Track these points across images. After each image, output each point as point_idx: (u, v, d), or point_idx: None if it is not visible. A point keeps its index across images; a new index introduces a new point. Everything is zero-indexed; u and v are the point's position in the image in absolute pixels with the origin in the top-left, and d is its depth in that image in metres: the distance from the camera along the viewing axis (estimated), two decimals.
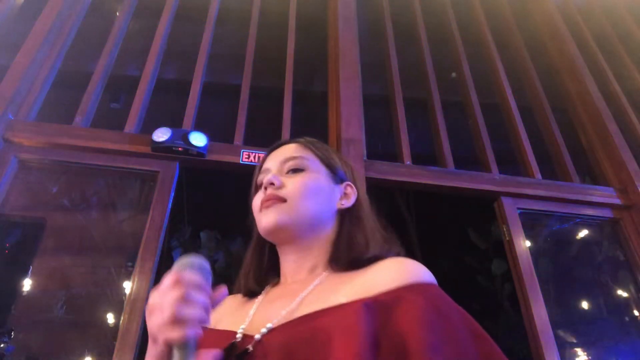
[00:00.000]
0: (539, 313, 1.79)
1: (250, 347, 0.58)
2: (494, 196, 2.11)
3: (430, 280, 0.65)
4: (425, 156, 2.34)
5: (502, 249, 2.03)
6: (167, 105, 2.36)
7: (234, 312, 0.72)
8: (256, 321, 0.64)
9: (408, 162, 2.13)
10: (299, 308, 0.62)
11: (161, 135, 1.88)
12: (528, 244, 1.98)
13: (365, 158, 2.02)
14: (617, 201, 2.20)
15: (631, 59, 2.91)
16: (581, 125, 2.60)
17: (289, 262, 0.75)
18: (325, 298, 0.62)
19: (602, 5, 3.24)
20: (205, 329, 0.56)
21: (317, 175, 0.78)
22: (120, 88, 2.88)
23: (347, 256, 0.70)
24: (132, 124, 2.00)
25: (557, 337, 1.76)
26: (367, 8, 2.84)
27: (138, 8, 2.56)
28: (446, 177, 2.11)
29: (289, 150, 0.80)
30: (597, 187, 2.26)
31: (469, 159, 2.41)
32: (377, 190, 2.12)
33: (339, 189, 0.79)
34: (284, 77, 2.32)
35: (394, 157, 2.20)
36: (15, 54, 2.04)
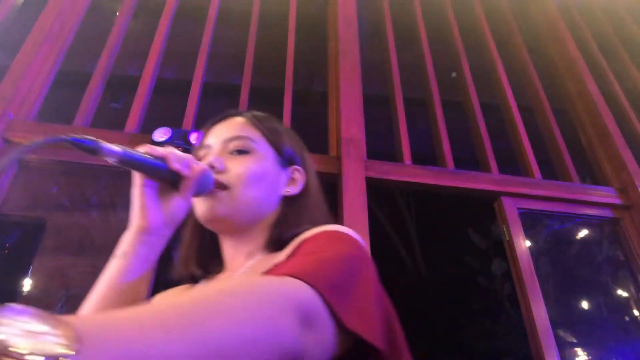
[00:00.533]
0: (539, 313, 1.78)
1: None
2: (494, 196, 2.11)
3: (350, 233, 0.61)
4: (425, 156, 2.34)
5: (502, 249, 2.03)
6: (167, 105, 2.36)
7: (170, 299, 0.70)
8: None
9: (408, 162, 2.13)
10: None
11: (161, 135, 1.88)
12: (528, 244, 1.98)
13: (365, 158, 2.02)
14: (617, 201, 2.20)
15: (631, 59, 2.91)
16: (581, 125, 2.60)
17: (228, 248, 0.73)
18: (255, 274, 0.61)
19: (602, 6, 3.24)
20: None
21: (263, 158, 0.72)
22: (120, 88, 2.88)
23: (279, 237, 0.67)
24: (132, 124, 2.00)
25: (557, 337, 1.76)
26: (368, 8, 2.84)
27: (138, 8, 2.56)
28: (446, 177, 2.11)
29: (235, 126, 0.75)
30: (597, 187, 2.26)
31: (469, 159, 2.41)
32: (377, 190, 2.12)
33: (285, 173, 0.75)
34: (284, 77, 2.32)
35: (394, 157, 2.20)
36: (15, 54, 2.04)
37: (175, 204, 0.63)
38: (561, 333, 2.26)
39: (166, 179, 0.61)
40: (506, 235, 2.00)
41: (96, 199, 2.02)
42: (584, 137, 2.56)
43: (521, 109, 2.51)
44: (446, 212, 4.00)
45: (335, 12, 2.59)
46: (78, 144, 0.53)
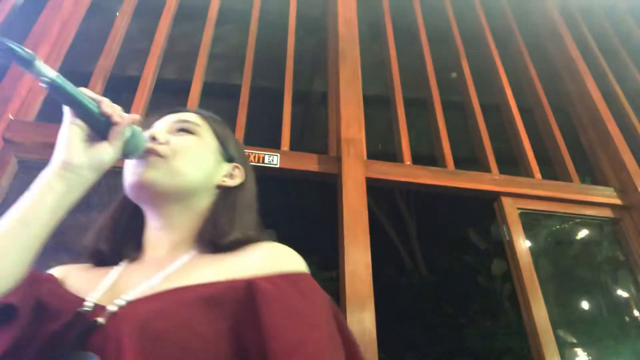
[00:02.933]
0: (539, 313, 1.78)
1: (101, 319, 0.53)
2: (494, 196, 2.11)
3: (303, 270, 0.62)
4: (425, 156, 2.34)
5: (502, 249, 2.03)
6: (167, 105, 2.36)
7: (82, 279, 0.65)
8: (111, 293, 0.59)
9: (408, 162, 2.13)
10: (162, 283, 0.58)
11: None
12: (528, 244, 1.98)
13: (365, 158, 2.02)
14: (617, 201, 2.20)
15: (631, 59, 2.91)
16: (581, 125, 2.60)
17: (152, 230, 0.69)
18: (192, 276, 0.59)
19: (602, 5, 3.24)
20: (51, 287, 0.57)
21: (205, 143, 0.73)
22: (120, 88, 2.87)
23: (210, 235, 0.66)
24: None
25: (557, 337, 1.76)
26: (368, 8, 2.84)
27: (138, 8, 2.55)
28: (446, 177, 2.11)
29: (186, 115, 0.76)
30: (597, 187, 2.26)
31: (469, 159, 2.41)
32: (377, 190, 2.12)
33: (225, 167, 0.75)
34: (284, 77, 2.32)
35: (394, 157, 2.20)
36: None
37: (102, 149, 0.60)
38: (561, 333, 2.26)
39: (95, 125, 0.59)
40: (506, 235, 2.00)
41: (96, 199, 2.02)
42: (584, 137, 2.56)
43: (521, 109, 2.51)
44: (446, 212, 4.01)
45: (335, 12, 2.59)
46: (13, 51, 0.50)
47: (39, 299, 0.57)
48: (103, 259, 0.69)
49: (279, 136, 2.08)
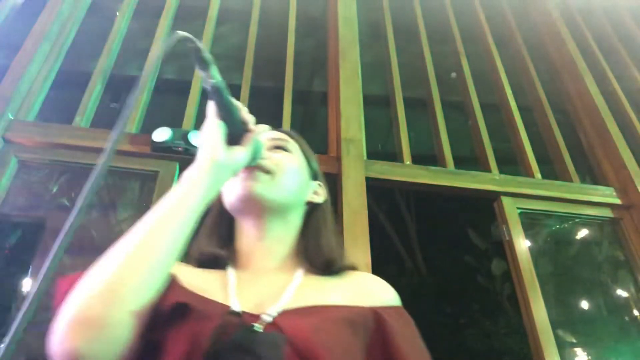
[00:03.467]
0: (539, 313, 1.78)
1: (258, 326, 0.56)
2: (494, 196, 2.11)
3: (400, 303, 0.71)
4: (425, 156, 2.34)
5: (502, 249, 2.03)
6: (167, 105, 2.36)
7: (199, 281, 0.65)
8: (248, 300, 0.61)
9: (408, 162, 2.13)
10: (294, 299, 0.62)
11: (161, 135, 1.88)
12: (528, 244, 1.98)
13: (365, 158, 2.02)
14: (617, 201, 2.19)
15: (631, 59, 2.91)
16: (581, 125, 2.60)
17: (249, 240, 0.73)
18: (319, 296, 0.64)
19: (602, 6, 3.24)
20: (192, 293, 0.58)
21: (300, 161, 0.78)
22: (120, 88, 2.88)
23: (319, 257, 0.71)
24: (132, 124, 2.00)
25: (557, 337, 1.76)
26: (367, 8, 2.84)
27: (138, 8, 2.55)
28: (446, 177, 2.11)
29: (279, 134, 0.81)
30: (597, 187, 2.26)
31: (469, 159, 2.41)
32: (377, 190, 2.12)
33: (312, 184, 0.80)
34: (284, 77, 2.32)
35: (394, 157, 2.20)
36: (15, 54, 2.04)
37: (238, 152, 0.63)
38: (561, 333, 2.26)
39: (232, 129, 0.63)
40: (506, 235, 2.00)
41: (96, 199, 2.02)
42: (584, 137, 2.56)
43: (521, 109, 2.51)
44: (446, 212, 4.01)
45: (335, 12, 2.59)
46: (197, 50, 0.57)
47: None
48: (208, 262, 0.71)
49: None
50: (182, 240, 0.56)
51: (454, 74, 2.79)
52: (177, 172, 1.89)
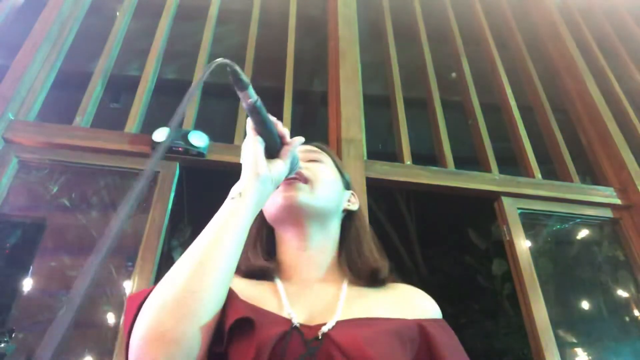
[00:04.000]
0: (539, 313, 1.78)
1: (319, 336, 0.58)
2: (494, 196, 2.11)
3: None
4: (425, 156, 2.34)
5: (502, 249, 2.03)
6: (167, 105, 2.36)
7: (252, 293, 0.67)
8: (302, 312, 0.64)
9: (408, 162, 2.13)
10: (345, 310, 0.65)
11: (161, 135, 1.88)
12: (528, 244, 1.98)
13: (365, 158, 2.02)
14: (617, 201, 2.20)
15: (631, 59, 2.91)
16: (581, 125, 2.60)
17: (292, 251, 0.75)
18: (367, 308, 0.67)
19: (602, 6, 3.24)
20: (255, 308, 0.61)
21: (334, 172, 0.82)
22: (120, 88, 2.88)
23: (365, 269, 0.73)
24: (132, 124, 2.00)
25: (557, 337, 1.76)
26: (367, 8, 2.84)
27: (138, 8, 2.55)
28: (446, 177, 2.11)
29: (311, 147, 0.84)
30: (597, 187, 2.26)
31: (469, 159, 2.41)
32: (377, 190, 2.12)
33: (346, 193, 0.83)
34: (284, 77, 2.32)
35: (394, 157, 2.20)
36: (15, 54, 2.04)
37: (278, 165, 0.66)
38: (561, 333, 2.26)
39: (270, 144, 0.67)
40: (506, 235, 2.00)
41: (96, 199, 2.02)
42: (584, 137, 2.56)
43: (521, 109, 2.51)
44: (446, 212, 4.00)
45: (335, 12, 2.59)
46: (235, 72, 0.61)
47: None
48: (255, 274, 0.73)
49: None
50: (238, 253, 0.60)
51: (454, 74, 2.79)
52: (177, 172, 1.89)
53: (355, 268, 0.73)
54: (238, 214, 0.60)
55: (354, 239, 0.77)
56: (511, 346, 3.61)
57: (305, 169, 0.76)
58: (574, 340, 2.61)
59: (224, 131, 2.08)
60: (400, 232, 4.64)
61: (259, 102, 0.64)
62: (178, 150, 1.88)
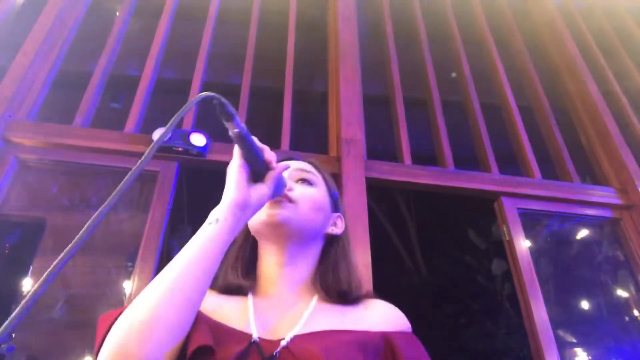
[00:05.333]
0: (539, 313, 1.78)
1: (275, 352, 0.61)
2: (494, 196, 2.11)
3: (410, 329, 0.74)
4: (425, 156, 2.34)
5: (502, 249, 2.03)
6: (167, 105, 2.36)
7: (225, 309, 0.71)
8: (265, 327, 0.67)
9: (408, 162, 2.13)
10: (308, 324, 0.66)
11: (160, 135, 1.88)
12: (528, 244, 1.98)
13: (365, 158, 2.02)
14: (617, 201, 2.20)
15: (631, 59, 2.91)
16: (581, 125, 2.60)
17: (270, 266, 0.77)
18: (331, 321, 0.68)
19: (602, 5, 3.24)
20: (216, 323, 0.64)
21: (323, 194, 0.82)
22: (120, 88, 2.88)
23: (335, 287, 0.74)
24: (132, 124, 2.00)
25: (557, 337, 1.76)
26: (367, 8, 2.84)
27: (138, 8, 2.56)
28: (446, 177, 2.11)
29: (304, 164, 0.85)
30: (597, 187, 2.26)
31: (469, 159, 2.41)
32: (377, 190, 2.12)
33: (332, 217, 0.84)
34: (284, 77, 2.32)
35: (394, 157, 2.20)
36: (15, 54, 2.04)
37: (261, 190, 0.68)
38: (561, 333, 2.26)
39: (256, 168, 0.69)
40: (506, 235, 2.00)
41: (96, 199, 2.02)
42: (584, 137, 2.56)
43: (521, 109, 2.51)
44: (446, 212, 4.01)
45: (335, 12, 2.59)
46: (222, 105, 0.63)
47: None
48: (231, 290, 0.76)
49: (279, 136, 2.08)
50: (209, 279, 0.61)
51: (454, 74, 2.79)
52: (177, 172, 1.89)
53: (326, 286, 0.74)
54: (213, 240, 0.62)
55: (332, 262, 0.78)
56: (511, 346, 3.61)
57: (294, 189, 0.77)
58: (574, 340, 2.61)
59: (224, 131, 2.08)
60: (400, 232, 4.64)
61: (245, 131, 0.66)
62: (178, 150, 1.88)
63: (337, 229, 0.83)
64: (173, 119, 0.58)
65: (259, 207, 0.68)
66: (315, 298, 0.73)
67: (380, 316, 0.72)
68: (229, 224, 0.63)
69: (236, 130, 0.65)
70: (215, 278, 0.73)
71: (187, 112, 0.62)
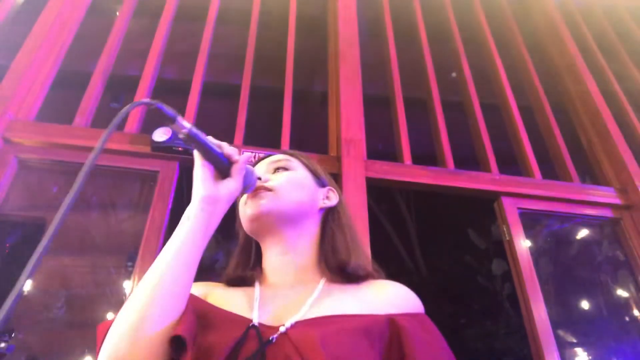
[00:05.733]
0: (539, 313, 1.78)
1: (273, 337, 0.60)
2: (494, 196, 2.11)
3: (423, 310, 0.73)
4: (425, 156, 2.34)
5: (502, 249, 2.03)
6: (167, 105, 2.36)
7: (229, 298, 0.72)
8: (268, 313, 0.67)
9: (408, 162, 2.13)
10: (313, 310, 0.66)
11: (161, 135, 1.88)
12: (528, 244, 1.98)
13: (365, 158, 2.02)
14: (617, 201, 2.20)
15: (631, 59, 2.91)
16: (581, 125, 2.60)
17: (272, 257, 0.77)
18: (335, 305, 0.67)
19: (602, 5, 3.24)
20: (217, 309, 0.65)
21: (302, 174, 0.82)
22: (120, 88, 2.88)
23: (335, 260, 0.74)
24: (132, 124, 2.00)
25: (557, 337, 1.76)
26: (367, 8, 2.84)
27: (138, 8, 2.56)
28: (446, 177, 2.11)
29: (277, 156, 0.85)
30: (597, 187, 2.26)
31: (469, 159, 2.41)
32: (377, 190, 2.12)
33: (322, 191, 0.83)
34: (284, 77, 2.32)
35: (394, 157, 2.20)
36: (15, 54, 2.04)
37: (229, 184, 0.69)
38: (561, 333, 2.26)
39: (219, 165, 0.69)
40: (506, 235, 2.00)
41: (96, 199, 2.02)
42: (584, 137, 2.56)
43: (521, 109, 2.51)
44: (446, 212, 4.00)
45: (335, 12, 2.59)
46: (159, 109, 0.62)
47: (198, 313, 0.63)
48: (237, 282, 0.78)
49: (279, 136, 2.08)
50: (191, 275, 0.63)
51: (454, 74, 2.79)
52: (177, 172, 1.89)
53: (329, 263, 0.75)
54: (187, 238, 0.64)
55: (329, 236, 0.78)
56: (511, 346, 3.62)
57: (270, 179, 0.78)
58: (574, 340, 2.61)
59: (224, 131, 2.08)
60: (400, 232, 4.64)
61: (194, 130, 0.65)
62: (178, 150, 1.88)
63: (330, 201, 0.83)
64: (110, 124, 0.59)
65: (230, 199, 0.69)
66: (322, 281, 0.73)
67: (388, 298, 0.71)
68: (200, 219, 0.65)
69: (184, 130, 0.64)
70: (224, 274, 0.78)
71: (122, 119, 0.61)
